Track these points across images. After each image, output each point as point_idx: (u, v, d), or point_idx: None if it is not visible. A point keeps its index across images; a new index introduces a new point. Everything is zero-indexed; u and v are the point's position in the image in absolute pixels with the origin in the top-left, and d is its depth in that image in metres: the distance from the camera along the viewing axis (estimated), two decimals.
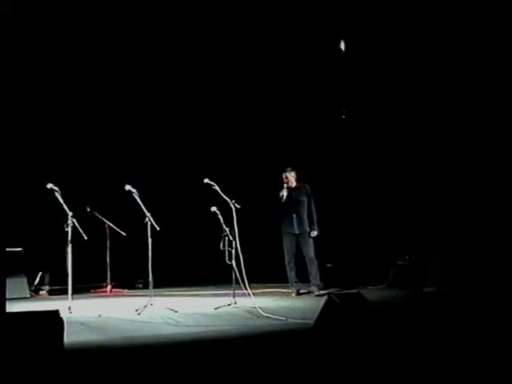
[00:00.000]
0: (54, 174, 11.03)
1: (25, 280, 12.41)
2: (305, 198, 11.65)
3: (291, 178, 11.70)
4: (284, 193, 11.53)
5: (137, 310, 9.30)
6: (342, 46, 14.23)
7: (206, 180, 10.38)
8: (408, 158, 13.52)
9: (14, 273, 12.27)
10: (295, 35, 13.76)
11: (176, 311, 9.29)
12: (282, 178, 11.67)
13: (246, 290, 9.86)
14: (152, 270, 9.83)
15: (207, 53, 14.21)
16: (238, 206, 10.20)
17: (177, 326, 8.32)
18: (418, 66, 13.20)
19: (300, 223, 11.54)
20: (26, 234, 12.84)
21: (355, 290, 8.35)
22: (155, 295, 9.82)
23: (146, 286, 10.84)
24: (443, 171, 13.01)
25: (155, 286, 9.97)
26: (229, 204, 10.22)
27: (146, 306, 9.39)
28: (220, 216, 10.10)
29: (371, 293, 10.38)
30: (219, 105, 14.95)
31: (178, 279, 13.53)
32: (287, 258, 11.59)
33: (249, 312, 9.24)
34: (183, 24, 13.68)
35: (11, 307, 9.20)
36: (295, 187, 11.70)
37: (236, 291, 9.93)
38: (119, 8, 13.09)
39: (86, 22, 13.18)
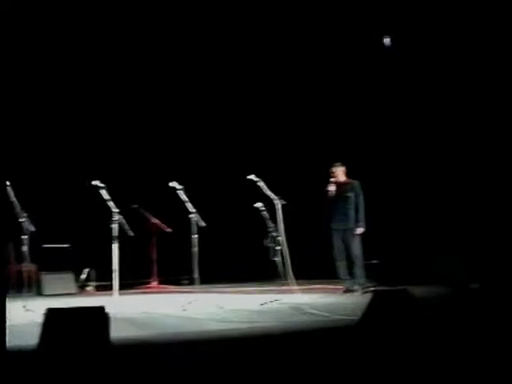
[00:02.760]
0: (100, 171, 11.12)
1: (72, 276, 12.56)
2: (352, 194, 11.49)
3: (339, 173, 11.56)
4: (331, 188, 11.40)
5: (182, 306, 9.32)
6: (387, 40, 14.10)
7: (251, 176, 10.36)
8: (459, 154, 13.33)
9: (61, 269, 12.42)
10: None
11: (221, 307, 9.29)
12: (329, 173, 11.54)
13: (292, 286, 9.82)
14: (197, 266, 9.86)
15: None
16: (284, 202, 10.15)
17: (222, 322, 8.31)
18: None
19: (347, 219, 11.39)
20: (73, 231, 12.98)
21: (402, 287, 8.25)
22: (201, 291, 9.84)
23: (191, 283, 10.86)
24: (489, 169, 12.81)
25: (201, 283, 10.01)
26: (273, 200, 10.18)
27: (191, 303, 9.42)
28: (265, 212, 10.07)
29: (418, 289, 10.26)
30: (265, 100, 14.92)
31: (223, 275, 13.55)
32: (335, 254, 11.45)
33: (294, 308, 9.19)
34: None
35: (58, 303, 9.33)
36: (343, 182, 11.55)
37: (281, 287, 9.89)
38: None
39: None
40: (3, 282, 6.68)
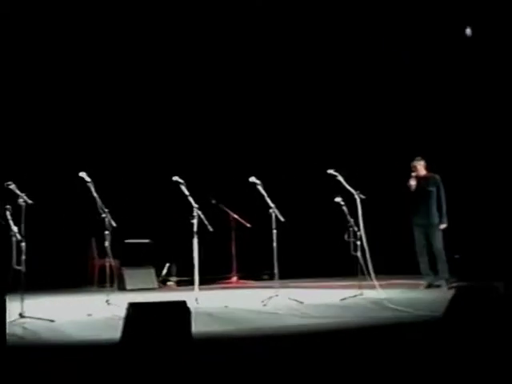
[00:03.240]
0: (180, 166, 11.20)
1: (153, 271, 12.70)
2: (434, 188, 11.28)
3: (420, 167, 11.36)
4: (412, 182, 11.21)
5: (262, 301, 9.33)
6: (469, 31, 13.81)
7: (330, 170, 10.28)
8: None
9: (142, 264, 12.58)
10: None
11: (302, 302, 9.25)
12: (410, 168, 11.36)
13: (373, 281, 9.72)
14: (277, 261, 9.84)
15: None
16: (363, 197, 10.05)
17: (302, 317, 8.28)
18: None
19: (429, 214, 11.17)
20: (154, 226, 13.13)
21: (487, 282, 8.06)
22: (281, 286, 9.82)
23: (271, 278, 10.85)
24: None
25: (281, 278, 9.98)
26: (353, 195, 10.09)
27: (271, 297, 9.41)
28: (344, 207, 9.99)
29: (504, 285, 10.01)
30: (343, 94, 14.80)
31: (303, 270, 13.50)
32: (417, 249, 11.26)
33: (375, 304, 9.09)
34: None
35: (140, 297, 9.44)
36: (424, 177, 11.35)
37: (362, 283, 9.80)
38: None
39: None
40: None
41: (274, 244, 9.82)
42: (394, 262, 12.36)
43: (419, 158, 11.41)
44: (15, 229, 8.19)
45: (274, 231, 9.86)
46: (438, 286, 11.09)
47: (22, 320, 7.95)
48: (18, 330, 7.59)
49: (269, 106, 14.83)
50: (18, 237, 8.16)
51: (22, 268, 8.15)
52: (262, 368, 5.70)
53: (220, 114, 14.58)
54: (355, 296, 9.60)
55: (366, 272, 9.72)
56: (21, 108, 13.12)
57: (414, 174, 11.26)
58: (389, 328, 7.53)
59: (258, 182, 10.06)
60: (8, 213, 8.25)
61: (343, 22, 14.02)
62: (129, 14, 13.27)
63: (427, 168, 11.41)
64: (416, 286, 11.27)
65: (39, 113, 13.29)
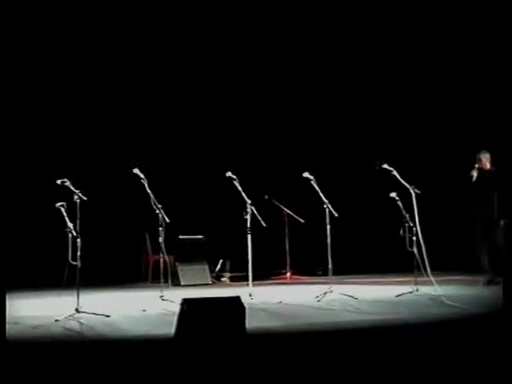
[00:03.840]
0: (233, 162, 11.19)
1: (207, 267, 12.73)
2: (497, 183, 11.00)
3: (485, 160, 11.10)
4: (474, 173, 10.94)
5: (317, 297, 9.29)
6: None
7: (385, 165, 10.17)
8: None
9: (196, 260, 12.62)
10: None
11: (356, 298, 9.19)
12: (475, 160, 11.08)
13: (429, 277, 9.58)
14: (331, 256, 9.79)
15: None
16: (418, 192, 9.92)
17: (357, 313, 8.24)
18: None
19: (490, 209, 10.93)
20: (208, 222, 13.15)
21: None
22: (335, 282, 9.77)
23: (325, 273, 10.78)
24: None
25: (335, 273, 9.94)
26: (408, 190, 9.97)
27: (325, 293, 9.36)
28: (399, 202, 9.87)
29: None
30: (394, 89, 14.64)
31: (357, 266, 13.39)
32: (477, 244, 11.02)
33: (431, 300, 8.97)
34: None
35: (194, 293, 9.46)
36: (488, 170, 11.09)
37: (418, 279, 9.67)
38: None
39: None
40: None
41: (328, 239, 9.77)
42: (451, 258, 12.17)
43: (485, 150, 11.15)
44: (71, 225, 8.28)
45: (328, 227, 9.81)
46: (499, 283, 10.85)
47: (78, 315, 8.03)
48: (75, 325, 7.68)
49: (320, 100, 14.73)
50: (74, 233, 8.25)
51: (78, 264, 8.23)
52: (316, 364, 5.67)
53: (274, 109, 14.52)
54: (411, 292, 9.49)
55: (422, 268, 9.58)
56: (76, 105, 13.26)
57: (477, 165, 11.01)
58: (445, 325, 7.42)
59: (311, 177, 10.02)
60: (63, 209, 8.34)
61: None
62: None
63: (492, 162, 11.14)
64: (475, 283, 11.03)
65: (94, 110, 13.41)
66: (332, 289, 9.48)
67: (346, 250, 12.26)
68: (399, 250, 9.92)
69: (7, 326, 7.65)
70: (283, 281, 12.99)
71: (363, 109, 14.80)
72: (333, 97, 14.75)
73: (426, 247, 9.64)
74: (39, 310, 8.91)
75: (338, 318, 7.93)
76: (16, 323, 7.86)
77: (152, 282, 12.07)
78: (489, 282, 10.77)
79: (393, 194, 9.95)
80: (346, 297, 9.27)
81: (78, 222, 8.32)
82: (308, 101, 14.69)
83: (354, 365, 5.62)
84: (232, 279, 12.97)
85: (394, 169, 10.07)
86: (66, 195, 8.48)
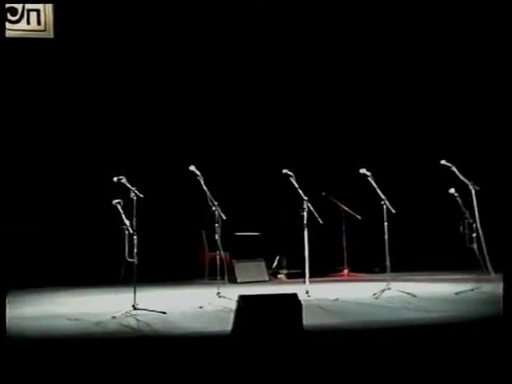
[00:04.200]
0: (290, 159, 11.14)
1: (263, 264, 12.71)
2: None
3: None
4: None
5: (374, 294, 9.24)
6: None
7: (444, 161, 10.03)
8: None
9: (252, 256, 12.61)
10: None
11: (415, 296, 9.08)
12: None
13: (490, 274, 9.40)
14: (389, 253, 9.69)
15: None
16: (478, 188, 9.75)
17: (416, 310, 8.13)
18: None
19: None
20: (264, 219, 13.13)
21: None
22: (393, 279, 9.66)
23: (383, 270, 10.67)
24: None
25: (393, 270, 9.83)
26: (467, 186, 9.80)
27: (383, 290, 9.29)
28: (459, 198, 9.72)
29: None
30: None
31: (416, 263, 13.21)
32: None
33: (492, 298, 8.77)
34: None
35: (250, 290, 9.44)
36: None
37: (479, 276, 9.50)
38: None
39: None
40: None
41: (386, 236, 9.69)
42: None
43: None
44: (127, 222, 8.33)
45: (386, 223, 9.73)
46: None
47: (135, 312, 8.07)
48: (132, 322, 7.72)
49: (374, 96, 14.57)
50: (130, 230, 8.30)
51: (135, 261, 8.28)
52: (373, 361, 5.62)
53: (332, 106, 14.41)
54: (471, 290, 9.31)
55: (482, 265, 9.40)
56: (133, 102, 13.35)
57: None
58: (506, 323, 7.26)
59: (368, 173, 9.94)
60: (120, 207, 8.39)
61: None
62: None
63: None
64: None
65: (151, 107, 13.49)
66: (390, 286, 9.40)
67: (403, 246, 12.10)
68: (459, 247, 9.77)
69: (68, 323, 7.80)
70: (340, 278, 12.90)
71: (421, 103, 14.59)
72: (386, 92, 14.57)
73: (486, 244, 9.48)
74: (97, 307, 8.99)
75: (397, 316, 7.84)
76: (77, 319, 7.97)
77: (208, 279, 12.09)
78: None
79: (451, 190, 9.81)
80: (404, 294, 9.19)
81: (134, 219, 8.37)
82: (362, 96, 14.53)
83: (411, 363, 5.55)
84: (289, 276, 12.92)
85: (453, 165, 9.94)
86: (123, 192, 8.54)
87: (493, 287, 9.21)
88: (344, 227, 13.29)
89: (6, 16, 11.36)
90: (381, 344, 6.26)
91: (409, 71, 14.31)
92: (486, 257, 9.45)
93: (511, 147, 7.89)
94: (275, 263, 13.28)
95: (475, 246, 9.45)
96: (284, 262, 13.18)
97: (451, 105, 14.36)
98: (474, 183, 9.82)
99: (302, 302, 6.15)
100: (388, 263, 9.72)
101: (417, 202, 13.88)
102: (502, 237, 7.80)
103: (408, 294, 9.17)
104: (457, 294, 9.19)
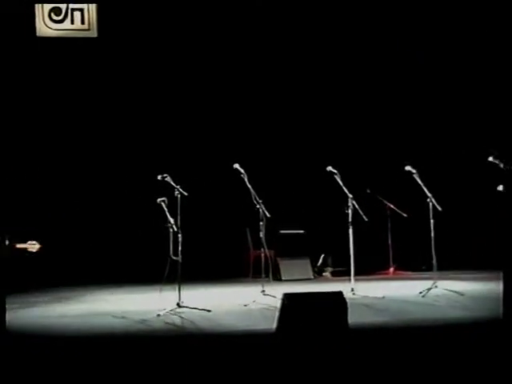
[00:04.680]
0: (334, 156, 11.09)
1: (308, 262, 12.67)
2: None
3: None
4: None
5: (421, 293, 9.16)
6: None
7: (490, 158, 9.87)
8: None
9: (297, 254, 12.56)
10: None
11: (462, 294, 8.97)
12: None
13: None
14: (435, 251, 9.59)
15: None
16: None
17: (463, 309, 8.02)
18: None
19: None
20: (309, 217, 13.07)
21: None
22: (440, 277, 9.56)
23: (429, 268, 10.55)
24: None
25: (439, 268, 9.71)
26: None
27: (430, 289, 9.19)
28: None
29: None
30: None
31: (463, 261, 13.05)
32: None
33: None
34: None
35: (295, 288, 9.41)
36: None
37: None
38: None
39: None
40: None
41: (432, 234, 9.60)
42: None
43: None
44: (172, 220, 8.35)
45: (432, 221, 9.65)
46: None
47: (180, 310, 8.09)
48: (176, 320, 7.75)
49: (426, 92, 14.41)
50: (175, 228, 8.32)
51: (179, 259, 8.30)
52: (419, 360, 5.57)
53: (377, 104, 14.30)
54: None
55: None
56: (178, 101, 13.39)
57: None
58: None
59: (413, 170, 9.85)
60: (164, 205, 8.42)
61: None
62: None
63: None
64: None
65: (196, 105, 13.51)
66: (437, 284, 9.30)
67: (450, 244, 11.96)
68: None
69: (114, 320, 7.85)
70: (386, 276, 12.79)
71: (469, 99, 14.40)
72: (431, 87, 14.40)
73: None
74: (142, 305, 9.04)
75: (443, 315, 7.77)
76: (122, 317, 8.02)
77: (253, 277, 12.07)
78: None
79: (500, 188, 9.65)
80: (451, 293, 9.08)
81: (178, 217, 8.40)
82: (408, 94, 14.39)
83: (458, 362, 5.49)
84: (334, 274, 12.86)
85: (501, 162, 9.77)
86: (167, 191, 8.57)
87: None
88: (389, 225, 13.17)
89: (51, 16, 11.50)
90: (427, 343, 6.19)
91: (451, 66, 14.15)
92: None
93: None
94: (320, 261, 13.21)
95: None
96: (329, 260, 13.12)
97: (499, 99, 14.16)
98: None
99: (348, 300, 6.11)
100: (435, 261, 9.63)
101: (464, 200, 13.71)
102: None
103: (455, 292, 9.06)
104: None
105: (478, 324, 7.11)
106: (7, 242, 8.67)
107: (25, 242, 8.83)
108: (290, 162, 13.69)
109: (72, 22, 11.74)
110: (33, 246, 8.82)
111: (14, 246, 8.74)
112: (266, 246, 9.53)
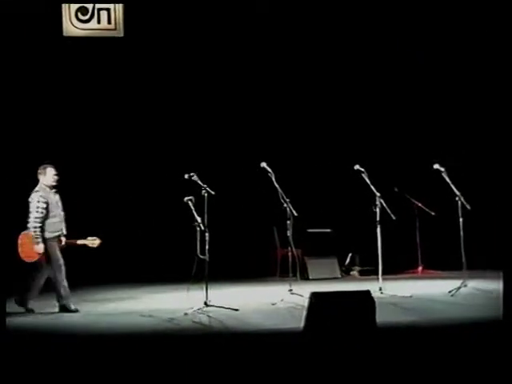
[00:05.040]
0: (361, 155, 11.03)
1: (336, 261, 12.64)
2: None
3: None
4: None
5: (450, 292, 9.13)
6: None
7: None
8: None
9: (324, 253, 12.53)
10: None
11: (491, 293, 8.90)
12: None
13: None
14: (464, 250, 9.51)
15: None
16: None
17: (492, 309, 7.92)
18: None
19: None
20: (336, 216, 13.02)
21: None
22: (469, 277, 9.48)
23: (458, 267, 10.47)
24: None
25: (469, 267, 9.63)
26: None
27: (459, 288, 9.16)
28: None
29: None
30: None
31: (492, 261, 12.92)
32: None
33: None
34: None
35: (323, 287, 9.39)
36: None
37: None
38: None
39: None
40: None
41: (461, 233, 9.55)
42: None
43: None
44: (199, 219, 8.35)
45: (461, 219, 9.60)
46: None
47: (207, 308, 8.10)
48: (203, 319, 7.75)
49: (454, 90, 14.31)
50: (202, 227, 8.32)
51: (206, 258, 8.30)
52: (447, 359, 5.54)
53: (404, 102, 14.21)
54: None
55: None
56: (205, 101, 13.40)
57: None
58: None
59: (442, 169, 9.82)
60: (191, 204, 8.42)
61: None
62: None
63: None
64: None
65: (223, 105, 13.52)
66: (466, 283, 9.23)
67: (479, 243, 11.85)
68: None
69: (141, 319, 7.88)
70: (414, 275, 12.71)
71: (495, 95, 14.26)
72: (460, 85, 14.30)
73: None
74: (169, 304, 9.05)
75: (472, 314, 7.73)
76: (150, 316, 8.04)
77: (280, 276, 12.05)
78: None
79: None
80: (480, 292, 9.05)
81: (205, 216, 8.40)
82: (435, 92, 14.29)
83: (486, 361, 5.44)
84: (361, 273, 12.80)
85: None
86: (194, 189, 8.58)
87: None
88: (417, 224, 13.09)
89: (77, 15, 11.55)
90: (455, 342, 6.14)
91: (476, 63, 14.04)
92: None
93: None
94: (348, 260, 13.17)
95: None
96: (357, 259, 13.06)
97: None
98: None
99: (375, 299, 6.07)
100: (464, 260, 9.56)
101: (493, 198, 13.58)
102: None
103: (485, 291, 9.00)
104: None
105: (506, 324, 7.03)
106: (63, 240, 8.82)
107: (85, 237, 9.01)
108: (318, 160, 13.65)
109: (98, 22, 11.77)
110: (93, 242, 8.98)
111: (75, 242, 8.90)
112: (293, 245, 9.52)
